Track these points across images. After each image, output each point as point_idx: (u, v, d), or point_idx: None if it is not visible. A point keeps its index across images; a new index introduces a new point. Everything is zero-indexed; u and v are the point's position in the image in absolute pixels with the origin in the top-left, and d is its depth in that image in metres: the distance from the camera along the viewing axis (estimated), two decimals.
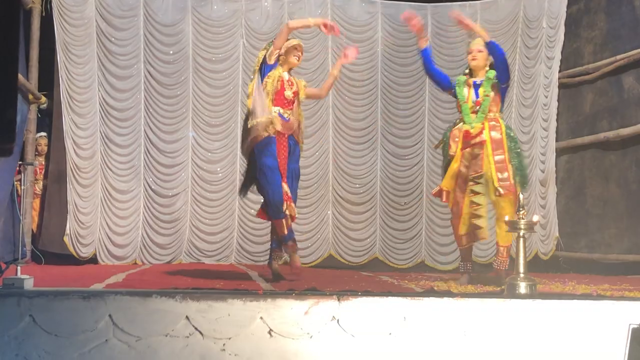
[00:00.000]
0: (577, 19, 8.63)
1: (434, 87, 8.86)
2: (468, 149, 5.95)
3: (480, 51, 6.00)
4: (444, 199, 6.03)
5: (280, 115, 5.79)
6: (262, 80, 5.81)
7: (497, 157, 5.82)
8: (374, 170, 8.88)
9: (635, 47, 7.49)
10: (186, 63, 8.55)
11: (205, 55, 8.62)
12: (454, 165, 5.97)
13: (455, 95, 6.11)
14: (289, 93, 5.84)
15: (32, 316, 3.74)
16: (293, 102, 5.90)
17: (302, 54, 5.97)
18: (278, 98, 5.81)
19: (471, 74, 6.11)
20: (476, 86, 6.00)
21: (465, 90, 6.03)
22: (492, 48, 5.90)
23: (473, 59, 6.04)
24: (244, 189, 6.17)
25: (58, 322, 3.75)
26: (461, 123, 6.02)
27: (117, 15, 8.32)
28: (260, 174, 5.71)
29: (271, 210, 5.78)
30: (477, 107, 5.95)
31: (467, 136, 5.95)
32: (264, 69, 5.87)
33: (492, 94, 5.93)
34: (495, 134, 5.90)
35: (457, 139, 6.00)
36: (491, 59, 5.98)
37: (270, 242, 6.15)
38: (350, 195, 8.82)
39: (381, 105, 8.91)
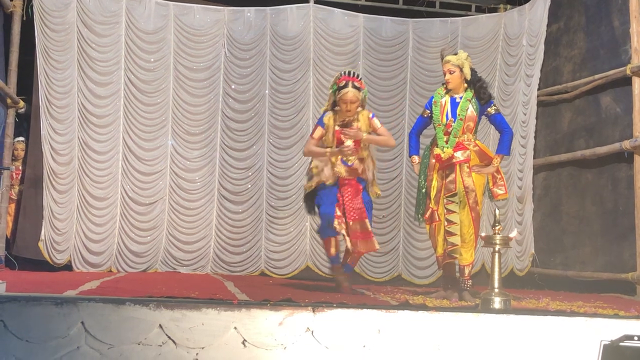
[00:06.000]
0: (557, 38, 8.71)
1: (414, 102, 8.96)
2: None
3: (451, 72, 5.96)
4: None
5: (342, 161, 6.14)
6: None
7: None
8: None
9: (613, 67, 7.56)
10: (167, 71, 8.54)
11: (187, 63, 8.61)
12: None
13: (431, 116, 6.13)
14: (348, 143, 6.11)
15: (3, 321, 3.69)
16: (357, 148, 6.14)
17: (350, 104, 6.08)
18: (339, 144, 6.12)
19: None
20: (454, 104, 5.98)
21: (439, 110, 6.01)
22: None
23: (447, 82, 6.01)
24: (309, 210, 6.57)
25: (30, 328, 3.71)
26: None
27: (99, 21, 8.29)
28: (318, 198, 6.20)
29: (320, 228, 6.22)
30: (449, 129, 5.96)
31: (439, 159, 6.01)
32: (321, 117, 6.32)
33: (467, 115, 5.92)
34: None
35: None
36: (468, 75, 5.98)
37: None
38: None
39: None
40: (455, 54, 6.05)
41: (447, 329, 4.06)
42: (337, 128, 6.14)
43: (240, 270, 8.55)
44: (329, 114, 6.19)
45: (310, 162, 6.33)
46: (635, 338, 3.50)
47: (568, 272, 8.07)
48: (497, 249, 4.64)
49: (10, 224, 8.19)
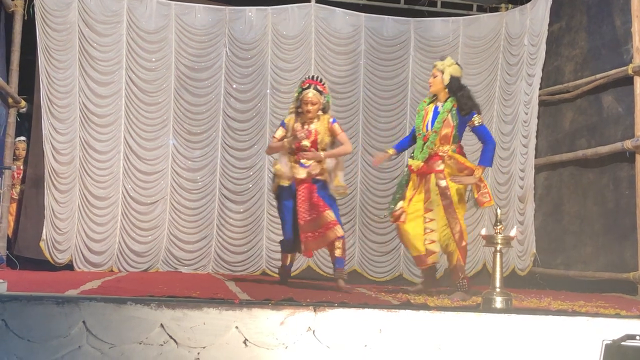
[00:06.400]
0: (559, 37, 8.70)
1: (415, 101, 8.95)
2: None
3: (434, 76, 6.05)
4: None
5: (300, 163, 6.40)
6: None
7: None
8: (354, 182, 8.88)
9: (615, 67, 7.55)
10: (168, 70, 8.53)
11: (188, 63, 8.60)
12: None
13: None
14: (306, 143, 6.38)
15: (4, 321, 3.70)
16: (315, 148, 6.40)
17: (311, 105, 6.38)
18: (297, 147, 6.39)
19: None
20: (435, 114, 6.04)
21: (421, 119, 6.12)
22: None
23: (429, 85, 6.15)
24: None
25: (31, 327, 3.71)
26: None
27: (100, 20, 8.28)
28: (279, 212, 6.69)
29: (282, 244, 6.80)
30: (425, 141, 6.04)
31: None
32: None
33: (443, 125, 5.97)
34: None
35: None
36: (447, 80, 6.00)
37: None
38: None
39: (362, 118, 8.93)
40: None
41: (448, 329, 4.06)
42: (297, 126, 6.42)
43: (241, 269, 8.55)
44: (290, 115, 6.55)
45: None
46: (637, 337, 3.50)
47: (569, 271, 8.07)
48: (498, 248, 4.64)
49: (12, 224, 8.19)
